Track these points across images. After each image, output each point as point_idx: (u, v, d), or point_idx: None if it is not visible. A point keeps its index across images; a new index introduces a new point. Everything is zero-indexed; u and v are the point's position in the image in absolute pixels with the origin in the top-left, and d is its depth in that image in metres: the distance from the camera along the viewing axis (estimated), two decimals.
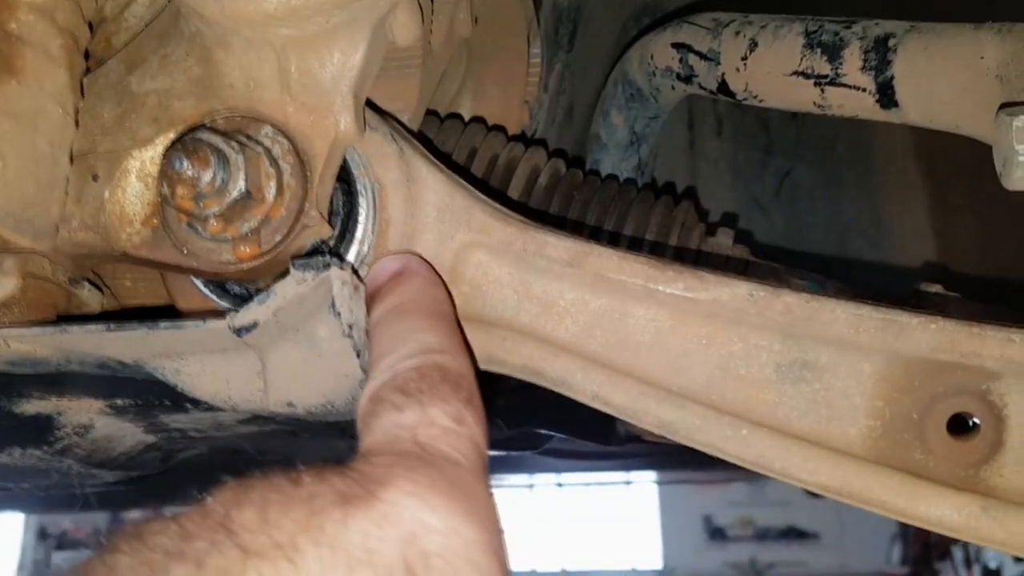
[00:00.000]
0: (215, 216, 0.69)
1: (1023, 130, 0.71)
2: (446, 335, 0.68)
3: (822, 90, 0.98)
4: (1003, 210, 1.31)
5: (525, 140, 1.18)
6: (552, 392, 0.77)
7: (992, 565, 6.41)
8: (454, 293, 0.76)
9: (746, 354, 0.72)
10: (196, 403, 0.81)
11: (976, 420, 0.69)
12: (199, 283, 0.78)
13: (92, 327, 0.74)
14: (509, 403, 1.12)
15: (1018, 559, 6.07)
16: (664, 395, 0.73)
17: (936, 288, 0.98)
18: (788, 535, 7.53)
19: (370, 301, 0.73)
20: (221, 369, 0.77)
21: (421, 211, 0.76)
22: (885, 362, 0.70)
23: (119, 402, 0.91)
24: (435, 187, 0.77)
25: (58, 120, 0.73)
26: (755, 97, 1.08)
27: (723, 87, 1.11)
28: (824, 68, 0.97)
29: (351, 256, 0.75)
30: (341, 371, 0.73)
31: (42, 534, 7.23)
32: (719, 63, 1.10)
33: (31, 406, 0.92)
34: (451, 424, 0.59)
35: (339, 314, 0.70)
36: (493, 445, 0.63)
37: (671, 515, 7.66)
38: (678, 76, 1.18)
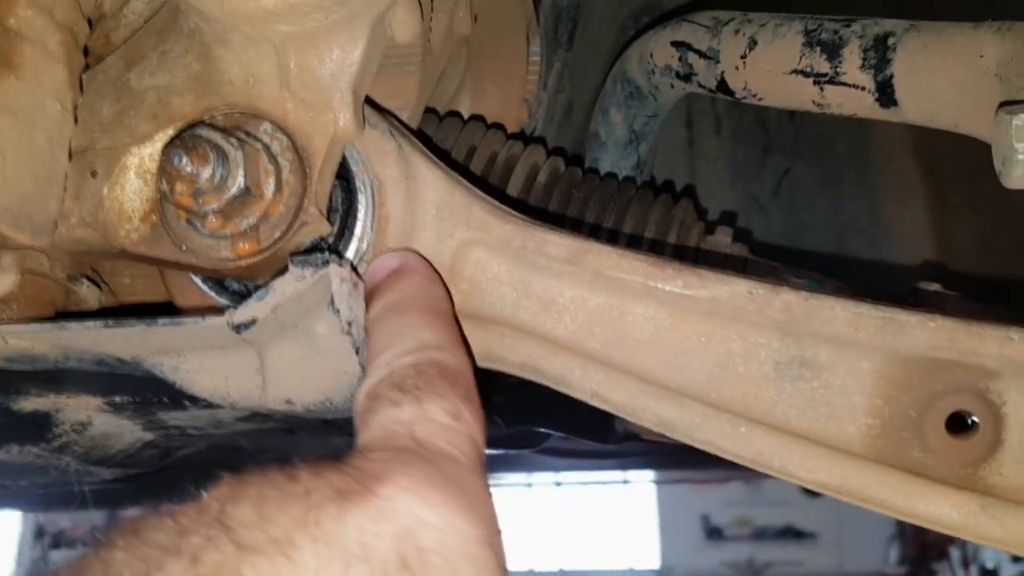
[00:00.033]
0: (214, 212, 0.69)
1: (1022, 128, 0.71)
2: (444, 331, 0.68)
3: (821, 89, 0.98)
4: (1002, 209, 1.31)
5: (524, 138, 1.18)
6: (550, 390, 0.77)
7: (989, 565, 6.41)
8: (453, 291, 0.76)
9: (745, 352, 0.72)
10: (194, 400, 0.81)
11: (975, 418, 0.69)
12: (198, 280, 0.78)
13: (90, 323, 0.74)
14: (507, 401, 1.12)
15: (1015, 559, 6.08)
16: (663, 392, 0.73)
17: (935, 287, 0.99)
18: (786, 535, 7.53)
19: (368, 298, 0.72)
20: (220, 366, 0.77)
21: (420, 208, 0.76)
22: (884, 360, 0.70)
23: (117, 399, 0.91)
24: (434, 184, 0.77)
25: (57, 116, 0.73)
26: (754, 96, 1.08)
27: (722, 85, 1.11)
28: (823, 67, 0.97)
29: (350, 253, 0.75)
30: (340, 368, 0.73)
31: (39, 533, 7.22)
32: (718, 61, 1.10)
33: (29, 403, 0.92)
34: (448, 420, 0.59)
35: (338, 311, 0.70)
36: (491, 443, 0.63)
37: (669, 514, 7.66)
38: (677, 74, 1.18)
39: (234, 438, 1.07)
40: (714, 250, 1.10)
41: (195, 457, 1.19)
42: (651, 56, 1.21)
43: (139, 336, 0.74)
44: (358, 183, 0.75)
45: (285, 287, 0.69)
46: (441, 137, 1.02)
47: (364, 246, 0.75)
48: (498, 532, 0.54)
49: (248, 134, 0.70)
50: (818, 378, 0.71)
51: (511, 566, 0.54)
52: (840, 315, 0.70)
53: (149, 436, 1.03)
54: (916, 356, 0.69)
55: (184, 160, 0.66)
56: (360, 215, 0.75)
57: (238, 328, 0.70)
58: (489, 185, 1.00)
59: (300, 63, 0.71)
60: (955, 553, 6.64)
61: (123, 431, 0.99)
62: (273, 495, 0.50)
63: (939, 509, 0.69)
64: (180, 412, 0.92)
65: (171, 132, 0.72)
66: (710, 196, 1.65)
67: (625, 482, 7.69)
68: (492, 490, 0.58)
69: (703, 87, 1.15)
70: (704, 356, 0.73)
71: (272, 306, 0.69)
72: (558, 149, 1.24)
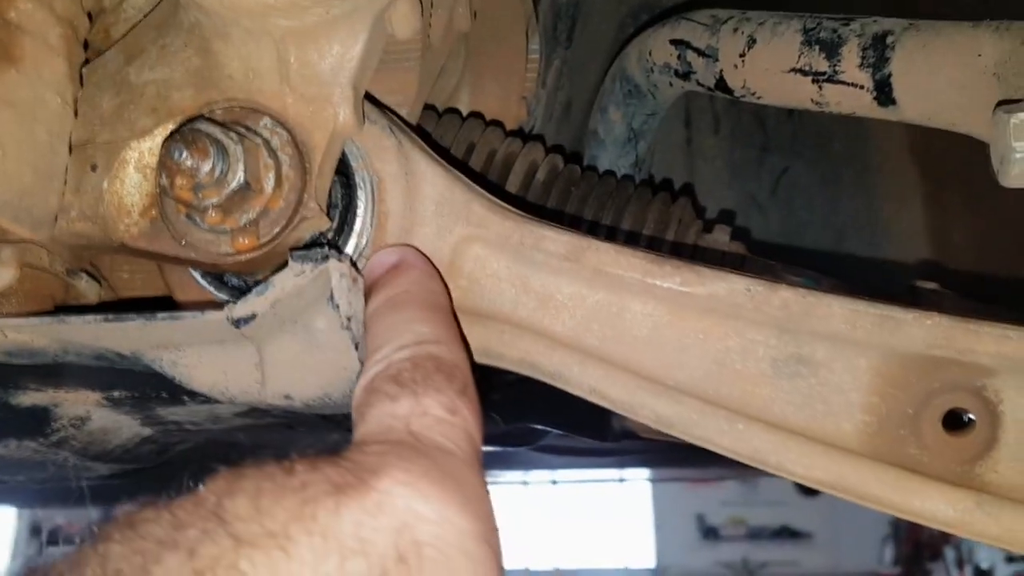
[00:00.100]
0: (213, 207, 0.69)
1: (1020, 127, 0.71)
2: (441, 326, 0.68)
3: (820, 87, 0.98)
4: (1000, 208, 1.32)
5: (523, 135, 1.18)
6: (548, 387, 0.77)
7: (984, 566, 6.43)
8: (452, 287, 0.76)
9: (742, 349, 0.72)
10: (193, 395, 0.81)
11: (971, 416, 0.69)
12: (197, 275, 0.78)
13: (90, 318, 0.74)
14: (505, 398, 1.12)
15: (1010, 559, 6.10)
16: (661, 389, 0.73)
17: (932, 285, 0.99)
18: (781, 535, 7.54)
19: (367, 293, 0.73)
20: (219, 361, 0.77)
21: (419, 204, 0.76)
22: (881, 358, 0.70)
23: (116, 394, 0.91)
24: (433, 181, 0.77)
25: (57, 110, 0.73)
26: (753, 94, 1.08)
27: (721, 84, 1.11)
28: (822, 65, 0.97)
29: (349, 248, 0.75)
30: (339, 363, 0.73)
31: (35, 530, 7.21)
32: (717, 60, 1.10)
33: (27, 397, 0.92)
34: (445, 414, 0.59)
35: (337, 306, 0.70)
36: (488, 440, 0.63)
37: (664, 513, 7.67)
38: (676, 73, 1.18)
39: (232, 433, 1.08)
40: (712, 248, 1.10)
41: (193, 453, 1.20)
42: (650, 54, 1.21)
43: (138, 331, 0.74)
44: (358, 179, 0.75)
45: (284, 282, 0.69)
46: (440, 134, 1.02)
47: (363, 242, 0.75)
48: (495, 528, 0.54)
49: (248, 128, 0.70)
50: (815, 375, 0.71)
51: (507, 565, 0.54)
52: (837, 312, 0.70)
53: (147, 431, 1.03)
54: (913, 354, 0.69)
55: (184, 154, 0.66)
56: (359, 211, 0.75)
57: (237, 323, 0.70)
58: (488, 182, 1.00)
59: (300, 58, 0.71)
60: (950, 553, 6.66)
61: (121, 426, 0.99)
62: (269, 488, 0.50)
63: (935, 506, 0.69)
64: (178, 407, 0.92)
65: (171, 126, 0.72)
66: (708, 194, 1.65)
67: (621, 480, 7.70)
68: (488, 487, 0.58)
69: (702, 85, 1.15)
70: (702, 353, 0.73)
71: (271, 301, 0.69)
72: (557, 147, 1.24)
